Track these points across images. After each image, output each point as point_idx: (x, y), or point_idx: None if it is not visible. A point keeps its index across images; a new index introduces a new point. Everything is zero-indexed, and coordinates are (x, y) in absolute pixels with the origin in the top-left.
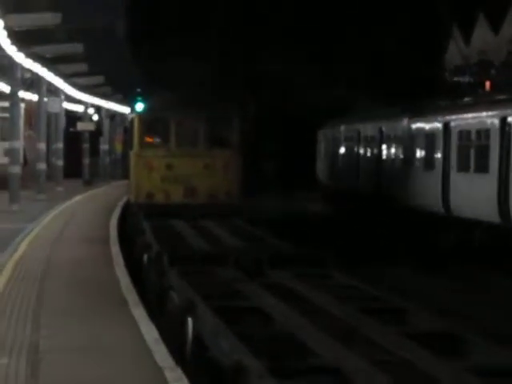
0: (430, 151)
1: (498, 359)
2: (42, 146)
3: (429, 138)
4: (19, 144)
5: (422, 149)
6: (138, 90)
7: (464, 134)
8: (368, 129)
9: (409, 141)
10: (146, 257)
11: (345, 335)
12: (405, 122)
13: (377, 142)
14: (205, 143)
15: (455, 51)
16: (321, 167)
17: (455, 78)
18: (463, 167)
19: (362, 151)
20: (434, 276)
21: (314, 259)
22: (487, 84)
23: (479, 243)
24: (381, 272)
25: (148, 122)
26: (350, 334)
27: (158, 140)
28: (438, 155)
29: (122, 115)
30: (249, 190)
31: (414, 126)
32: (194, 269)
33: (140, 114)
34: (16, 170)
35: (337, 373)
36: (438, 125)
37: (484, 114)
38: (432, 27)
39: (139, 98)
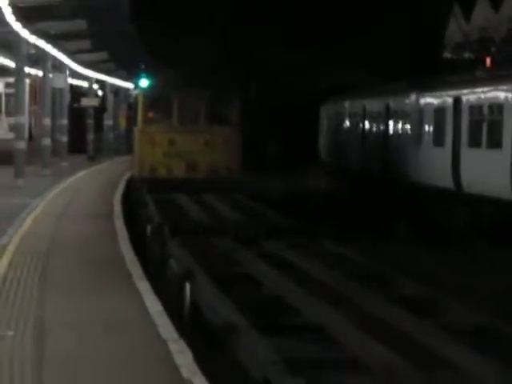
0: (439, 127)
1: (468, 319)
2: (47, 121)
3: (438, 113)
4: (24, 119)
5: (431, 124)
6: (142, 66)
7: (476, 109)
8: (374, 104)
9: (417, 116)
10: (148, 228)
11: (331, 298)
12: (413, 97)
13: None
14: (206, 120)
15: (456, 28)
16: (323, 144)
17: (455, 55)
18: (475, 143)
19: (367, 127)
20: (432, 251)
21: (307, 231)
22: (487, 60)
23: (489, 220)
24: (375, 245)
25: (152, 100)
26: (336, 297)
27: (160, 116)
28: (449, 131)
29: (126, 91)
30: (250, 166)
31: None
32: (194, 240)
33: (144, 92)
34: (21, 145)
35: (320, 331)
36: (449, 99)
37: (496, 87)
38: (432, 4)
39: (143, 75)
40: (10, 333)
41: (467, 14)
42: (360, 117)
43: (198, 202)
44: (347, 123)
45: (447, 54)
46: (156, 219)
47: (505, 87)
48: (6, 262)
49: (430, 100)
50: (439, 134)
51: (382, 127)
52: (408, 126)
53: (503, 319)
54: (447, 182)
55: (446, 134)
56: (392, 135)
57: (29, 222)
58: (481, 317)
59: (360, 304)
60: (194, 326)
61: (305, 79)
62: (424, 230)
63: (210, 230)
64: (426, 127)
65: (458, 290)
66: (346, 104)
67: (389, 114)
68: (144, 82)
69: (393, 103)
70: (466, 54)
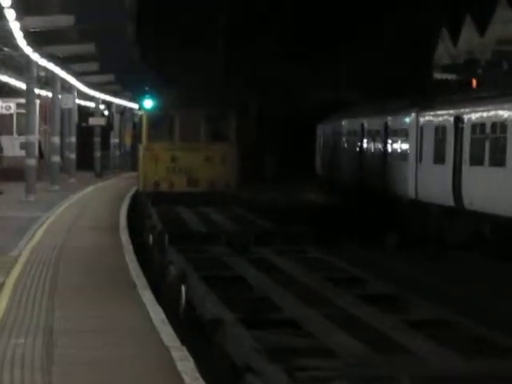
0: (440, 145)
1: (432, 314)
2: (56, 139)
3: (439, 132)
4: (34, 138)
5: (431, 142)
6: (146, 88)
7: (478, 128)
8: (373, 123)
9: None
10: (150, 237)
11: (308, 297)
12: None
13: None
14: (205, 138)
15: (443, 51)
16: (320, 161)
17: (443, 76)
18: (477, 161)
19: (365, 145)
20: (414, 258)
21: (292, 236)
22: (474, 82)
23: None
24: (359, 252)
25: (155, 119)
26: (313, 295)
27: (163, 135)
28: (450, 149)
29: (131, 110)
30: (249, 180)
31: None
32: (190, 247)
33: (148, 112)
34: (32, 162)
35: (295, 324)
36: (450, 118)
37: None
38: (421, 29)
39: (147, 96)
40: (21, 340)
41: (454, 38)
42: (358, 135)
43: (197, 213)
44: (345, 141)
45: (436, 75)
46: (158, 228)
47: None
48: (16, 271)
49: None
50: (441, 153)
51: (381, 145)
52: (406, 144)
53: (460, 314)
54: (448, 199)
55: (448, 152)
56: (390, 153)
57: (39, 234)
58: (439, 313)
59: (333, 302)
60: (188, 323)
61: (303, 94)
62: (414, 242)
63: (206, 237)
64: (427, 145)
65: (427, 290)
66: (344, 122)
67: (387, 132)
68: (148, 103)
69: (391, 122)
70: (454, 76)
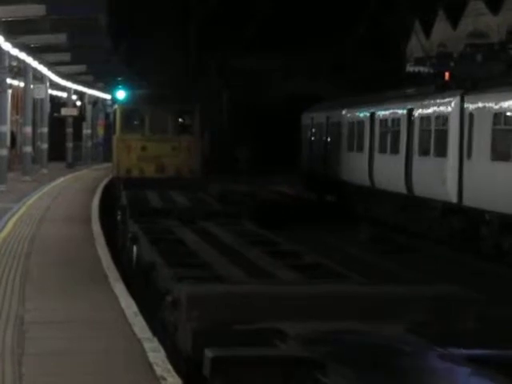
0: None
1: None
2: (28, 130)
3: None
4: (6, 128)
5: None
6: (119, 79)
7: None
8: (390, 111)
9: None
10: (118, 214)
11: (227, 252)
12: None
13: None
14: (172, 130)
15: (416, 44)
16: (307, 155)
17: (416, 69)
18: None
19: (377, 138)
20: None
21: (232, 214)
22: (446, 74)
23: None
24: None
25: (128, 113)
26: (230, 251)
27: (135, 127)
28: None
29: (104, 101)
30: (215, 169)
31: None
32: (147, 219)
33: (122, 106)
34: (3, 152)
35: (220, 278)
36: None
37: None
38: (394, 22)
39: (119, 87)
40: None
41: (427, 30)
42: (367, 126)
43: (161, 195)
44: (346, 133)
45: (409, 68)
46: (123, 206)
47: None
48: None
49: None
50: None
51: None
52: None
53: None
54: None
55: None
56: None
57: (10, 225)
58: (319, 259)
59: (244, 254)
60: (137, 273)
61: (275, 85)
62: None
63: (161, 212)
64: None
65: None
66: (345, 112)
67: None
68: (120, 94)
69: (419, 108)
70: (426, 69)
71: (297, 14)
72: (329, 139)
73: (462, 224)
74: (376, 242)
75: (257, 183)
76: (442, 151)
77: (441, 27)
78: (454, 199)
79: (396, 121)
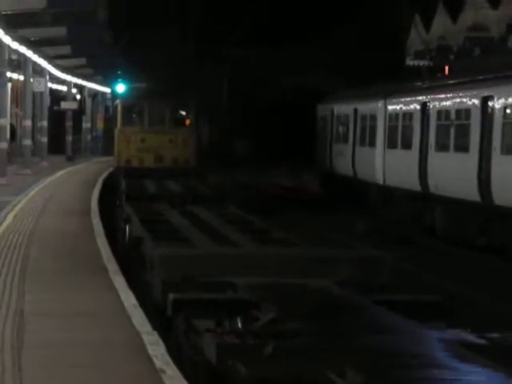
0: None
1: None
2: (28, 123)
3: None
4: (6, 121)
5: None
6: (119, 72)
7: None
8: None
9: None
10: (118, 199)
11: (207, 230)
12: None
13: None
14: (169, 123)
15: (416, 37)
16: (326, 151)
17: (415, 62)
18: None
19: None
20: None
21: (218, 199)
22: (446, 68)
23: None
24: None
25: (128, 107)
26: (210, 229)
27: (135, 120)
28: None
29: (104, 95)
30: (213, 160)
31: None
32: (140, 203)
33: (122, 100)
34: (3, 145)
35: (187, 240)
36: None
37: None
38: (395, 15)
39: (119, 80)
40: None
41: (427, 24)
42: (415, 119)
43: (158, 183)
44: (385, 128)
45: (409, 61)
46: (122, 192)
47: None
48: None
49: None
50: None
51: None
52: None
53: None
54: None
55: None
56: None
57: (10, 217)
58: (285, 235)
59: (220, 231)
60: (129, 248)
61: (278, 78)
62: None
63: (154, 197)
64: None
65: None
66: (381, 103)
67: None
68: (120, 87)
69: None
70: (426, 62)
71: (297, 6)
72: (358, 135)
73: None
74: (372, 234)
75: (257, 175)
76: None
77: (440, 21)
78: None
79: (464, 112)
